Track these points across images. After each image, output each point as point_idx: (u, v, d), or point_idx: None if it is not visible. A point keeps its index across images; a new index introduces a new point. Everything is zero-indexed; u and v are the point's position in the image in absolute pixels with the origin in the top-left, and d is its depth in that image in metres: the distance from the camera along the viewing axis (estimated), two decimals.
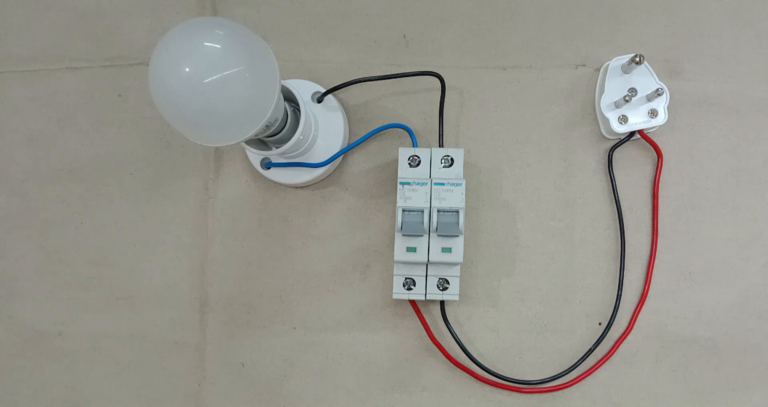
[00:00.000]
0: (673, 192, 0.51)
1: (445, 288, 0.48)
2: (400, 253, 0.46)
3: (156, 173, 0.53)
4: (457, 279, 0.48)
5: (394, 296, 0.48)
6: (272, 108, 0.38)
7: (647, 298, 0.50)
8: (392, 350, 0.51)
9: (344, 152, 0.50)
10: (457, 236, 0.46)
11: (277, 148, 0.46)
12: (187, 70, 0.34)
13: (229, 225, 0.52)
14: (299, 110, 0.46)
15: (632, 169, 0.52)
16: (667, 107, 0.49)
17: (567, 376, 0.50)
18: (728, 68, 0.52)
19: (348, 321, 0.51)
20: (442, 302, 0.50)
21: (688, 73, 0.52)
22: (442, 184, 0.46)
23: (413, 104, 0.53)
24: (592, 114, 0.52)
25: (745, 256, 0.51)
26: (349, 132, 0.52)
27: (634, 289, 0.51)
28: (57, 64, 0.55)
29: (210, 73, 0.34)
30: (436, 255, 0.46)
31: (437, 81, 0.51)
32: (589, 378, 0.50)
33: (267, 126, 0.42)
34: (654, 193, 0.51)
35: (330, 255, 0.52)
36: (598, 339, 0.50)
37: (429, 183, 0.46)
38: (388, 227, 0.52)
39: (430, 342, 0.50)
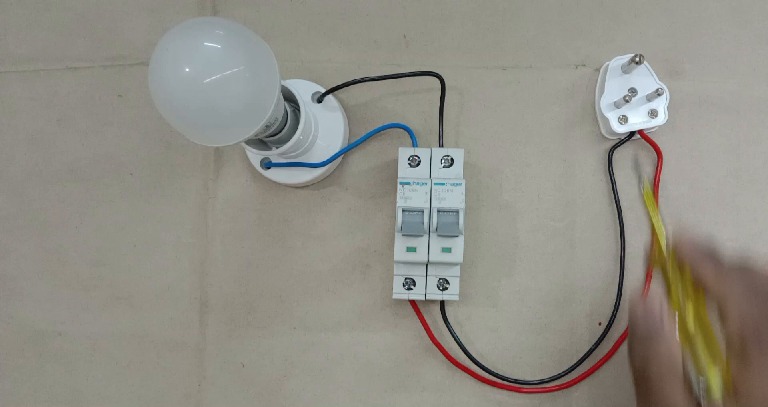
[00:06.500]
0: (673, 192, 0.51)
1: (445, 288, 0.48)
2: (400, 253, 0.46)
3: (156, 173, 0.53)
4: (457, 279, 0.48)
5: (394, 296, 0.48)
6: (272, 108, 0.38)
7: None
8: (392, 350, 0.51)
9: (344, 152, 0.50)
10: (457, 236, 0.46)
11: (277, 148, 0.46)
12: (187, 70, 0.34)
13: (229, 225, 0.52)
14: (299, 110, 0.46)
15: (632, 169, 0.52)
16: (667, 107, 0.49)
17: (567, 376, 0.50)
18: (728, 68, 0.52)
19: (348, 321, 0.51)
20: (442, 302, 0.50)
21: (688, 73, 0.52)
22: (442, 184, 0.46)
23: (413, 103, 0.53)
24: (592, 114, 0.52)
25: (744, 256, 0.51)
26: (349, 132, 0.52)
27: (634, 289, 0.51)
28: (57, 64, 0.55)
29: (210, 73, 0.34)
30: (436, 255, 0.46)
31: (437, 81, 0.51)
32: (589, 378, 0.50)
33: (267, 126, 0.42)
34: (654, 193, 0.51)
35: (330, 255, 0.52)
36: (598, 339, 0.50)
37: (429, 183, 0.46)
38: (388, 227, 0.52)
39: (430, 342, 0.50)
